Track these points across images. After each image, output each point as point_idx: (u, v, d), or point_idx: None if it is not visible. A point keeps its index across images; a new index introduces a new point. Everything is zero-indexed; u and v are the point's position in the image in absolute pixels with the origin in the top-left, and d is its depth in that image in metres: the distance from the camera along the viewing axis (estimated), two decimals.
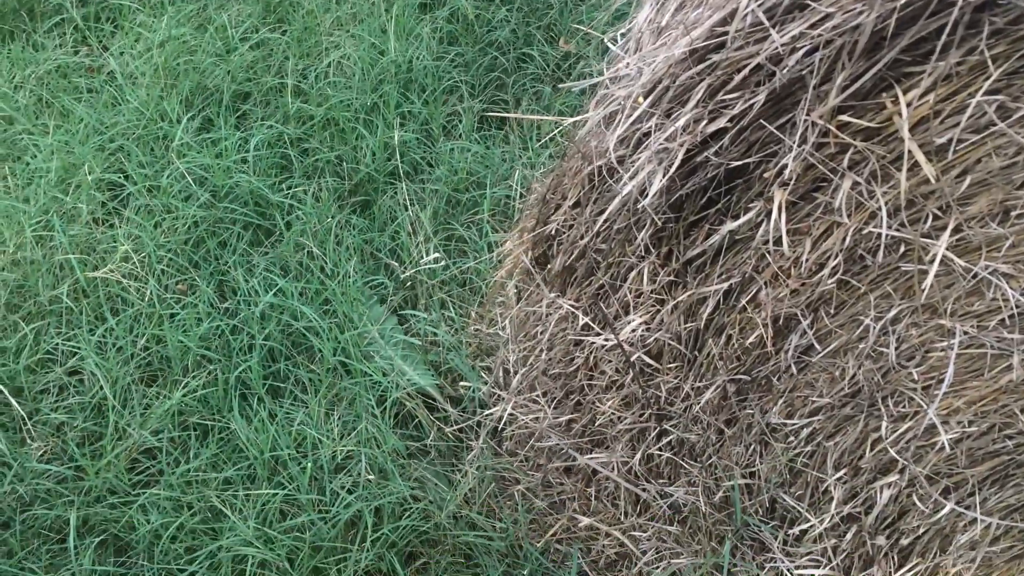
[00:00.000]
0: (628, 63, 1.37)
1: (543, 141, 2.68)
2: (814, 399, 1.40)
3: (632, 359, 1.59)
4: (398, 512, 1.93)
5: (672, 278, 1.50)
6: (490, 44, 2.95)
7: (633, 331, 1.58)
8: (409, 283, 2.32)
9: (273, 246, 2.32)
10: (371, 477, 1.93)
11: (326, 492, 1.88)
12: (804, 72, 1.13)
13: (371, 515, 1.86)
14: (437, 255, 2.13)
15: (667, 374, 1.60)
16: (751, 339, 1.41)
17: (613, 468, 1.80)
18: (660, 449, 1.71)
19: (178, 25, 2.77)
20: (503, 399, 1.96)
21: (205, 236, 2.27)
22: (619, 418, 1.73)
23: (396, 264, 2.28)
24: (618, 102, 1.37)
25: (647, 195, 1.33)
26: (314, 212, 2.38)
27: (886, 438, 1.30)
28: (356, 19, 2.96)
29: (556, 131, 2.48)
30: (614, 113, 1.41)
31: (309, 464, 1.89)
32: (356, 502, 1.87)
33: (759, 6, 1.13)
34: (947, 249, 1.12)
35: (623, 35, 1.54)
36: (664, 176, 1.30)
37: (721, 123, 1.24)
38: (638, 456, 1.74)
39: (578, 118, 1.59)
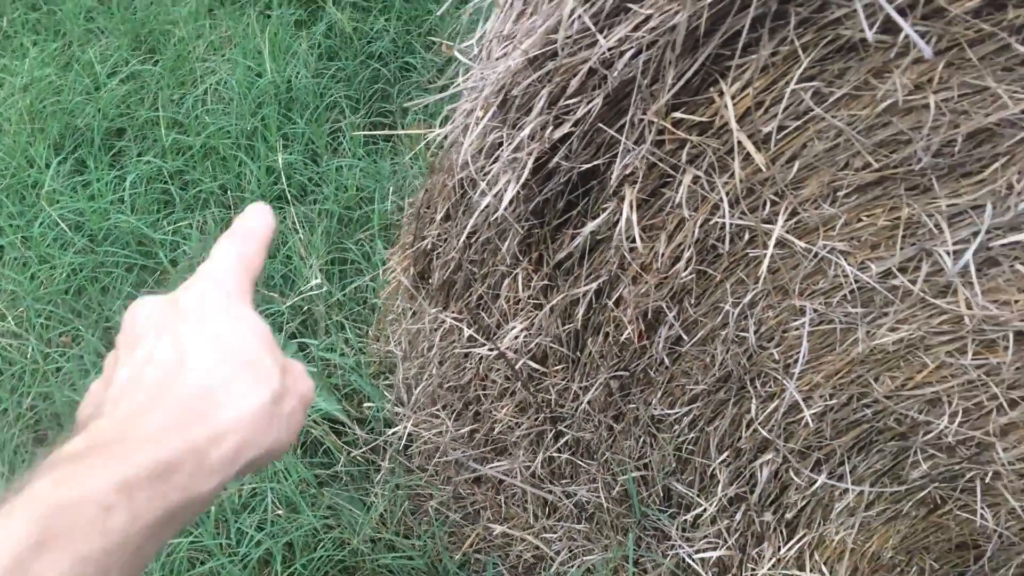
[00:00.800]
0: (474, 74, 1.37)
1: (432, 150, 2.67)
2: (690, 387, 1.42)
3: (517, 366, 1.60)
4: (312, 544, 1.91)
5: (546, 282, 1.51)
6: (371, 56, 2.93)
7: (515, 338, 1.59)
8: (306, 307, 2.30)
9: (158, 286, 2.26)
10: (280, 512, 1.91)
11: (232, 534, 1.84)
12: (635, 73, 1.15)
13: (281, 551, 1.83)
14: (316, 281, 2.11)
15: (554, 376, 1.61)
16: (625, 335, 1.43)
17: (517, 474, 1.81)
18: (559, 450, 1.72)
19: (42, 66, 2.69)
20: (406, 416, 1.95)
21: (86, 283, 2.21)
22: (516, 424, 1.74)
23: (276, 295, 2.24)
24: (467, 114, 1.37)
25: (503, 200, 1.33)
26: (200, 246, 2.33)
27: (757, 418, 1.33)
28: (230, 42, 2.90)
29: (423, 143, 2.48)
30: (468, 125, 1.41)
31: (213, 508, 1.85)
32: (266, 540, 1.85)
33: (586, 11, 1.14)
34: (786, 232, 1.15)
35: (476, 43, 1.55)
36: (517, 185, 1.31)
37: (565, 128, 1.25)
38: (539, 459, 1.75)
39: (433, 132, 1.59)
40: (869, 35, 0.91)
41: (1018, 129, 0.91)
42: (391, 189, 2.55)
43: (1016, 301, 1.02)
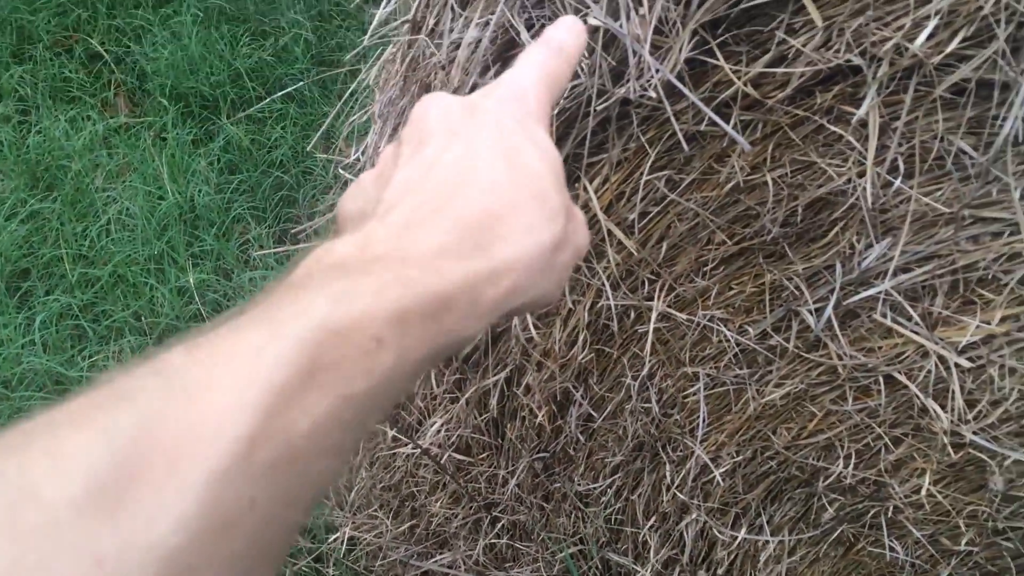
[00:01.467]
0: None
1: None
2: (609, 459, 1.47)
3: (443, 460, 1.63)
4: None
5: (457, 376, 1.55)
6: (271, 164, 2.98)
7: (438, 433, 1.62)
8: None
9: None
10: None
11: None
12: None
13: None
14: None
15: (480, 464, 1.64)
16: (539, 418, 1.48)
17: (460, 564, 1.82)
18: (497, 535, 1.74)
19: None
20: (345, 520, 1.95)
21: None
22: (452, 515, 1.76)
23: None
24: None
25: None
26: None
27: (674, 482, 1.38)
28: (129, 168, 2.92)
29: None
30: None
31: None
32: None
33: None
34: (667, 306, 1.22)
35: (359, 157, 1.60)
36: None
37: None
38: (479, 547, 1.77)
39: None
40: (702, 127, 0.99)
41: (847, 196, 1.00)
42: None
43: (880, 347, 1.09)
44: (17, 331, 2.35)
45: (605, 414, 1.42)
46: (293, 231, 2.82)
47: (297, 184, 2.93)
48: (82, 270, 2.56)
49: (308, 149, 2.97)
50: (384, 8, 1.21)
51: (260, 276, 2.61)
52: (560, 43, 0.51)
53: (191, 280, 2.54)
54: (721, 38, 0.97)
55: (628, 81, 0.96)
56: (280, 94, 2.99)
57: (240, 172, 2.94)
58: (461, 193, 0.41)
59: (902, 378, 1.08)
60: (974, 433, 1.07)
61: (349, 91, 1.45)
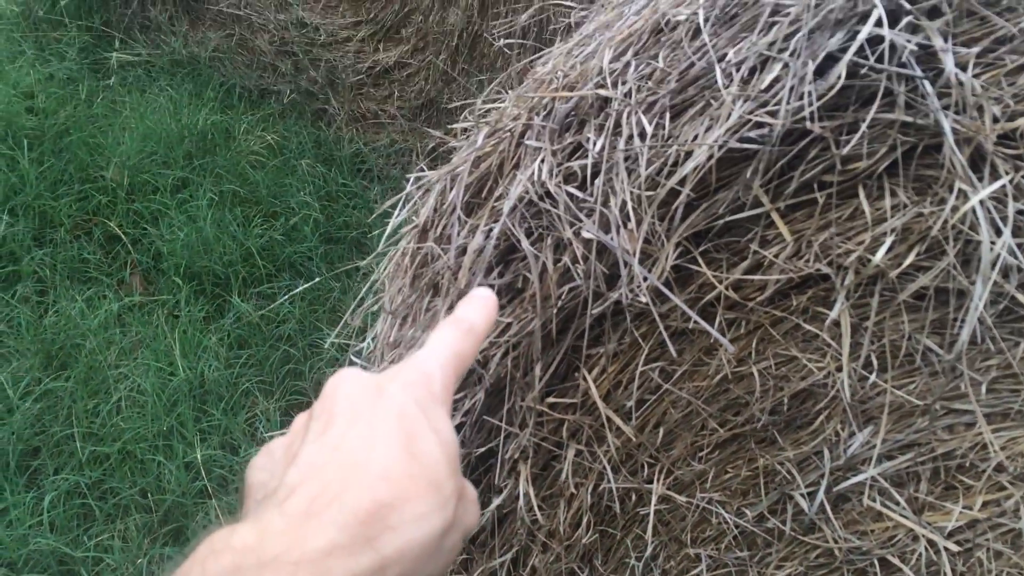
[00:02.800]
0: None
1: None
2: None
3: None
4: None
5: (464, 555, 1.57)
6: (279, 339, 3.07)
7: None
8: None
9: None
10: None
11: None
12: (510, 368, 1.29)
13: None
14: None
15: None
16: None
17: None
18: None
19: None
20: None
21: None
22: None
23: None
24: None
25: None
26: (122, 557, 2.31)
27: None
28: (141, 344, 3.01)
29: None
30: None
31: None
32: None
33: None
34: (666, 488, 1.27)
35: (371, 342, 1.69)
36: None
37: (457, 419, 1.37)
38: None
39: None
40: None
41: (828, 388, 1.07)
42: None
43: (872, 530, 1.13)
44: (25, 511, 2.36)
45: None
46: (299, 404, 2.88)
47: (304, 357, 3.02)
48: (92, 448, 2.60)
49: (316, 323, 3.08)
50: (396, 217, 1.32)
51: None
52: (470, 324, 0.55)
53: (198, 456, 2.58)
54: (703, 247, 1.07)
55: (620, 287, 1.05)
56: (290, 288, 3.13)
57: (248, 347, 3.03)
58: (356, 481, 0.44)
59: (896, 561, 1.12)
60: None
61: (367, 286, 1.55)
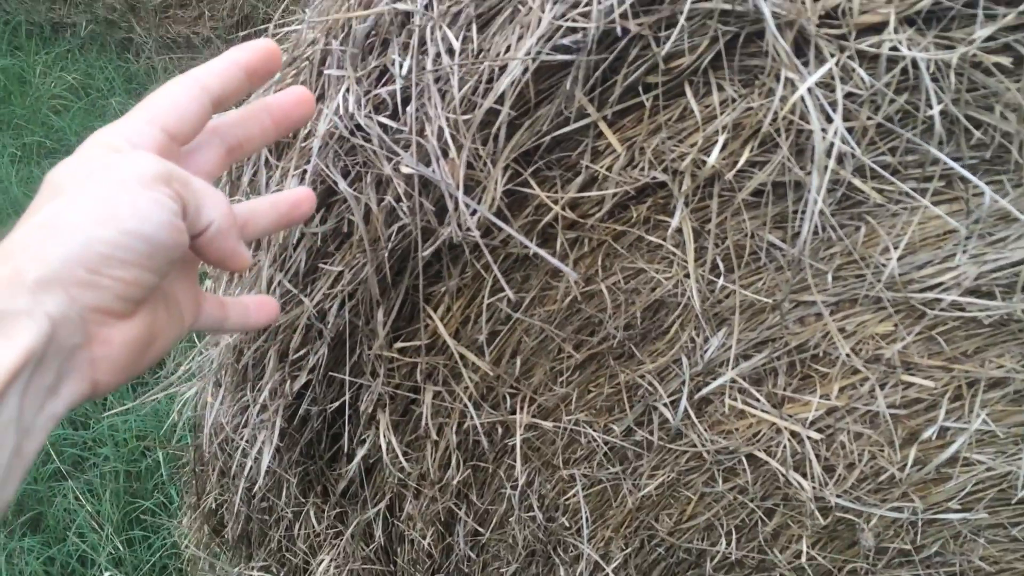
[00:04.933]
0: (200, 346, 1.38)
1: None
2: (504, 569, 1.45)
3: None
4: None
5: (337, 510, 1.50)
6: None
7: (327, 571, 1.56)
8: None
9: None
10: None
11: None
12: (350, 318, 1.20)
13: None
14: (110, 573, 1.98)
15: None
16: (428, 539, 1.45)
17: None
18: None
19: None
20: None
21: None
22: None
23: None
24: (200, 390, 1.37)
25: (262, 464, 1.33)
26: None
27: None
28: None
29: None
30: (209, 392, 1.41)
31: None
32: None
33: (285, 276, 1.18)
34: (532, 416, 1.22)
35: None
36: (273, 441, 1.31)
37: (303, 378, 1.27)
38: None
39: (187, 392, 1.56)
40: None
41: (679, 296, 1.03)
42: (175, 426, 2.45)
43: (737, 429, 1.12)
44: None
45: (492, 526, 1.40)
46: (152, 371, 2.70)
47: None
48: None
49: None
50: None
51: (120, 421, 2.48)
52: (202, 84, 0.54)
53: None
54: (534, 166, 0.99)
55: (449, 224, 0.97)
56: None
57: None
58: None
59: (762, 455, 1.12)
60: (837, 496, 1.11)
61: None
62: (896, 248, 0.93)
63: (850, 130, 0.85)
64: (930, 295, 0.95)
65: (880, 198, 0.91)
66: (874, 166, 0.87)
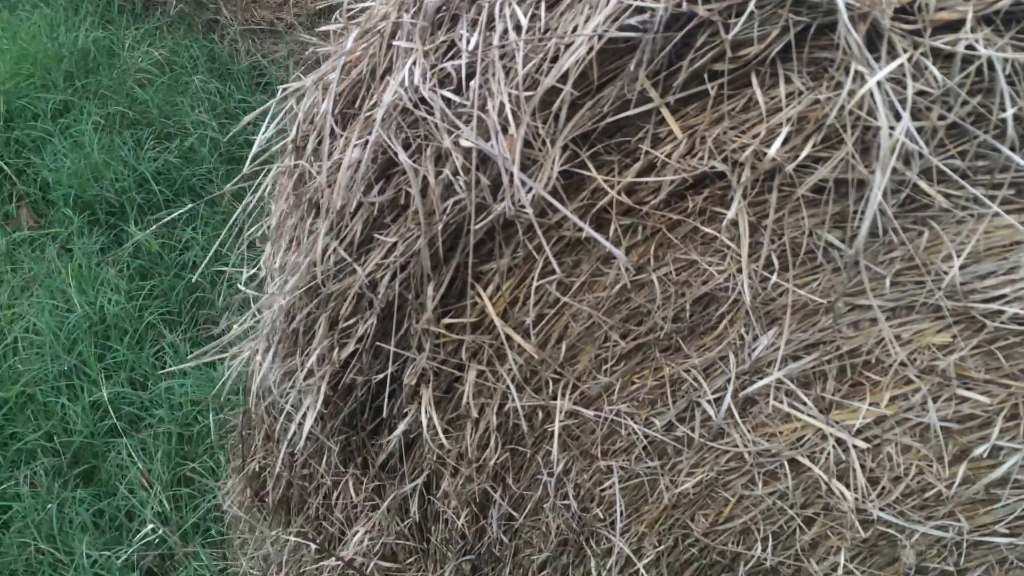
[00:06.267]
0: (254, 309, 1.41)
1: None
2: (535, 557, 1.45)
3: (368, 571, 1.58)
4: None
5: (376, 483, 1.52)
6: (183, 267, 2.92)
7: (360, 543, 1.58)
8: (156, 541, 2.20)
9: None
10: None
11: None
12: (401, 290, 1.21)
13: None
14: (151, 526, 2.04)
15: (408, 570, 1.60)
16: (462, 519, 1.45)
17: None
18: None
19: None
20: None
21: None
22: None
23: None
24: (252, 352, 1.40)
25: (304, 428, 1.35)
26: (32, 504, 2.21)
27: (600, 575, 1.36)
28: (36, 282, 2.84)
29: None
30: (261, 355, 1.44)
31: None
32: None
33: (339, 245, 1.20)
34: (573, 403, 1.22)
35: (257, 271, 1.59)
36: (317, 407, 1.33)
37: (351, 347, 1.29)
38: None
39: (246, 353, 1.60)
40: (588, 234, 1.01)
41: (730, 291, 1.02)
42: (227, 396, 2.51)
43: (781, 432, 1.10)
44: None
45: (526, 512, 1.40)
46: (209, 334, 2.76)
47: (210, 284, 2.88)
48: None
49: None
50: (263, 134, 1.20)
51: (177, 384, 2.55)
52: None
53: (104, 394, 2.46)
54: (592, 150, 0.99)
55: (504, 200, 0.97)
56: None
57: (151, 277, 2.88)
58: None
59: (805, 461, 1.10)
60: (880, 510, 1.08)
61: (240, 209, 1.43)
62: (959, 256, 0.91)
63: (919, 130, 0.83)
64: (992, 307, 0.92)
65: (946, 203, 0.89)
66: (943, 167, 0.85)
